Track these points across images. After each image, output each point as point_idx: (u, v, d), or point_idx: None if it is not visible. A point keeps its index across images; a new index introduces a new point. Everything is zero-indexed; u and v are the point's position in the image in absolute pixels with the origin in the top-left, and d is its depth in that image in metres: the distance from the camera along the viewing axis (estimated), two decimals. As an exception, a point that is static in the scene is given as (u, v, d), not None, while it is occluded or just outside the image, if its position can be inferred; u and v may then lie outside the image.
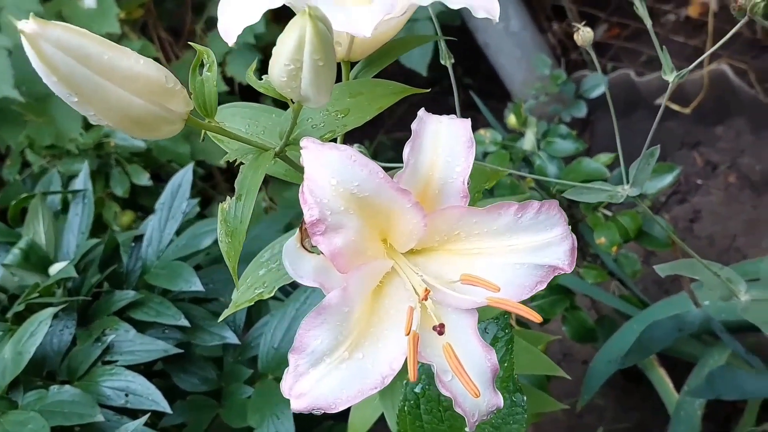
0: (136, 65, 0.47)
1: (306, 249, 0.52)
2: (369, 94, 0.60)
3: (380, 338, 0.54)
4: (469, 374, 0.53)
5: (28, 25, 0.42)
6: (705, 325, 1.24)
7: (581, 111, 2.01)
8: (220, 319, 0.77)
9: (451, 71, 0.85)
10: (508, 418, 0.78)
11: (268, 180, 2.61)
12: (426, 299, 0.52)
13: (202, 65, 0.54)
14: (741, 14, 0.67)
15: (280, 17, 2.55)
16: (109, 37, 2.31)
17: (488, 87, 2.55)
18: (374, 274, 0.55)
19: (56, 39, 0.43)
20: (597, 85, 2.01)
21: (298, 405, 0.52)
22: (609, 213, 1.53)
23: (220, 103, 0.58)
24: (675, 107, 2.23)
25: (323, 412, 0.52)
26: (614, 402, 1.73)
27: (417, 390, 0.83)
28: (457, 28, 2.45)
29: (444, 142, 0.53)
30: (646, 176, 0.83)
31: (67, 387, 1.03)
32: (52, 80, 0.44)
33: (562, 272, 0.55)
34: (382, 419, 0.97)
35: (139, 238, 1.27)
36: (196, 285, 1.15)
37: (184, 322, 1.14)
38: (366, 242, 0.53)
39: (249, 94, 2.61)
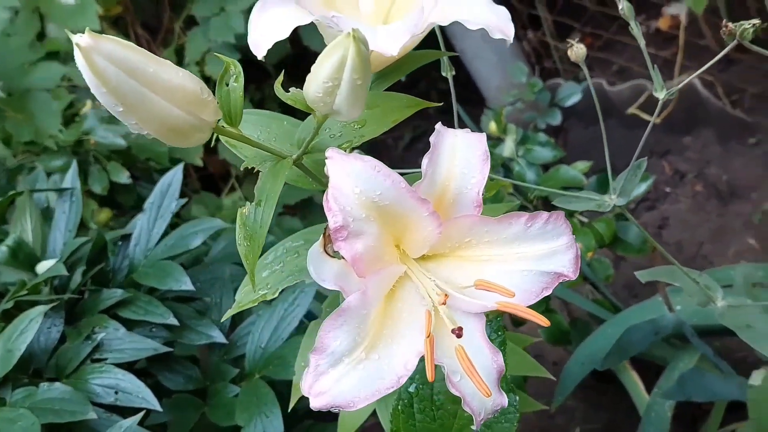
0: (176, 77, 0.49)
1: (328, 254, 0.54)
2: (385, 107, 0.62)
3: (394, 340, 0.57)
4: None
5: (83, 39, 0.44)
6: (677, 329, 1.29)
7: (556, 119, 2.06)
8: (223, 319, 0.79)
9: (451, 82, 0.88)
10: (500, 417, 0.81)
11: (242, 180, 2.61)
12: (445, 303, 0.55)
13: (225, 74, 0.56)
14: (731, 38, 0.71)
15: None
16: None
17: (464, 93, 2.59)
18: (390, 278, 0.57)
19: (108, 52, 0.45)
20: (572, 94, 2.07)
21: (317, 403, 0.54)
22: (585, 219, 1.57)
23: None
24: (646, 117, 2.30)
25: (341, 409, 0.54)
26: (585, 403, 1.78)
27: (411, 389, 0.85)
28: (434, 33, 2.48)
29: (460, 155, 0.56)
30: (633, 186, 0.86)
31: (57, 384, 1.03)
32: (101, 91, 0.46)
33: (567, 279, 0.58)
34: (371, 417, 0.99)
35: (125, 237, 1.28)
36: (187, 284, 1.17)
37: (173, 321, 1.15)
38: (383, 248, 0.56)
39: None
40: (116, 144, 1.87)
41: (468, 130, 0.57)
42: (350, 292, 0.55)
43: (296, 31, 2.14)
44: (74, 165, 1.34)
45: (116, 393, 1.05)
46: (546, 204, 1.65)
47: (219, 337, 1.20)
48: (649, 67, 0.81)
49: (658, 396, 1.41)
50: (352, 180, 0.52)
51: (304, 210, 2.57)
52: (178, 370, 1.24)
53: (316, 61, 0.50)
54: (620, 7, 0.79)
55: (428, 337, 0.54)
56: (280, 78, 0.56)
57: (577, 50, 0.84)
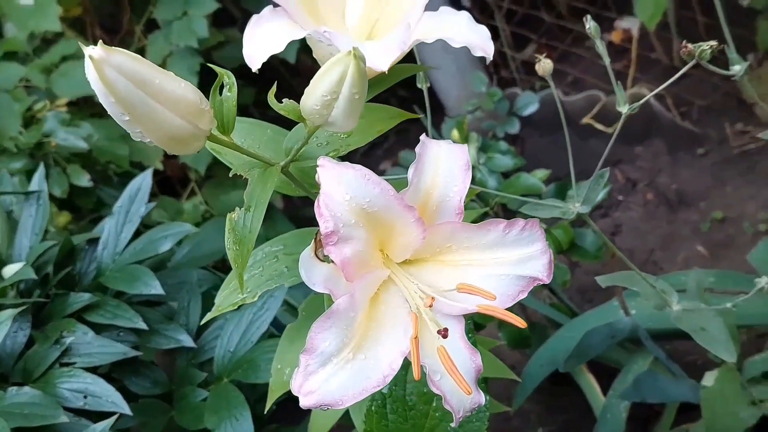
0: (178, 88, 0.51)
1: (319, 258, 0.57)
2: (370, 118, 0.65)
3: (379, 341, 0.59)
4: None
5: (95, 51, 0.46)
6: (633, 332, 1.34)
7: (514, 127, 2.11)
8: (203, 320, 0.80)
9: (426, 95, 0.91)
10: (471, 417, 0.84)
11: (201, 183, 2.61)
12: (431, 306, 0.58)
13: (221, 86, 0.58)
14: (690, 58, 0.75)
15: (223, 24, 2.56)
16: (50, 35, 2.26)
17: (423, 100, 2.64)
18: (375, 282, 0.60)
19: (118, 64, 0.47)
20: (529, 103, 2.12)
21: (307, 401, 0.56)
22: (544, 226, 1.62)
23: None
24: (599, 126, 2.37)
25: (329, 408, 0.57)
26: (542, 405, 1.82)
27: (384, 391, 0.88)
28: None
29: (444, 165, 0.59)
30: (596, 195, 0.91)
31: (26, 388, 1.03)
32: (109, 101, 0.48)
33: (541, 282, 0.61)
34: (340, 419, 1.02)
35: (92, 241, 1.28)
36: (157, 288, 1.17)
37: (142, 325, 1.15)
38: (370, 252, 0.58)
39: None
40: (78, 147, 1.86)
41: (450, 141, 0.60)
42: (338, 296, 0.57)
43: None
44: (41, 168, 1.34)
45: (85, 397, 1.05)
46: (505, 210, 1.69)
47: (187, 341, 1.21)
48: (613, 83, 0.85)
49: (614, 397, 1.46)
50: (342, 187, 0.55)
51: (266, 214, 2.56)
52: (145, 374, 1.24)
53: (316, 76, 0.53)
54: (587, 26, 0.83)
55: (415, 337, 0.56)
56: (273, 89, 0.58)
57: (544, 65, 0.88)
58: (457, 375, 0.57)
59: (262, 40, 0.56)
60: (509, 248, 0.61)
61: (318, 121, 0.56)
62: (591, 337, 1.27)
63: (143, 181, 1.29)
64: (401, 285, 0.61)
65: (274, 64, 2.81)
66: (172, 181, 2.85)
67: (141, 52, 2.53)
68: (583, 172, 2.52)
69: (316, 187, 0.72)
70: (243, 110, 2.84)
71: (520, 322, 0.58)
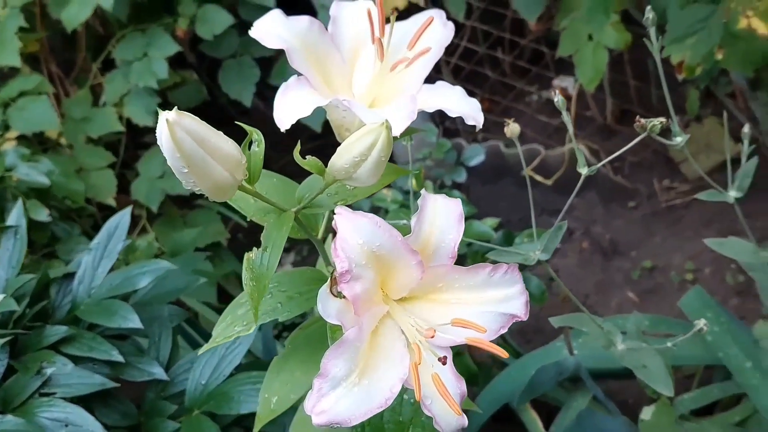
0: (226, 146, 0.60)
1: (333, 294, 0.65)
2: (373, 173, 0.74)
3: (379, 368, 0.68)
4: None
5: (170, 115, 0.54)
6: (575, 371, 1.45)
7: (461, 176, 2.24)
8: (200, 352, 0.87)
9: (410, 153, 1.00)
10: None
11: (152, 220, 2.64)
12: (433, 337, 0.66)
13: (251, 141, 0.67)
14: (642, 130, 0.88)
15: (178, 65, 2.63)
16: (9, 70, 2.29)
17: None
18: (377, 316, 0.69)
19: (186, 126, 0.55)
20: (476, 154, 2.26)
21: (319, 420, 0.64)
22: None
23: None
24: (539, 178, 2.52)
25: (339, 426, 0.64)
26: (485, 442, 1.91)
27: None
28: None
29: (441, 215, 0.69)
30: (554, 244, 1.02)
31: (9, 417, 1.06)
32: (176, 156, 0.56)
33: (520, 319, 0.71)
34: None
35: (67, 276, 1.32)
36: (135, 322, 1.22)
37: (119, 358, 1.20)
38: (375, 290, 0.67)
39: (137, 134, 2.64)
40: (39, 182, 1.89)
41: (445, 196, 0.70)
42: (348, 327, 0.66)
43: (213, 80, 2.22)
44: (20, 203, 1.38)
45: (66, 426, 1.09)
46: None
47: (161, 374, 1.25)
48: (575, 147, 0.96)
49: (556, 432, 1.56)
50: (357, 233, 0.63)
51: (213, 252, 2.61)
52: (114, 406, 1.28)
53: (349, 141, 0.62)
54: (555, 100, 0.94)
55: (419, 363, 0.65)
56: (298, 147, 0.67)
57: (512, 128, 0.99)
58: (449, 399, 0.66)
59: (290, 106, 0.65)
60: (493, 289, 0.70)
61: (343, 177, 0.65)
62: (541, 374, 1.37)
63: (121, 219, 1.34)
64: (399, 319, 0.70)
65: (223, 104, 2.88)
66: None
67: (97, 89, 2.57)
68: (523, 219, 2.71)
69: (317, 231, 0.81)
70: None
71: (503, 353, 0.67)
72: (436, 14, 0.75)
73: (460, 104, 0.71)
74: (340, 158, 0.64)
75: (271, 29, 0.69)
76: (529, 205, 2.73)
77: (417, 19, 0.75)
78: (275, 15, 0.70)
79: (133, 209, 2.76)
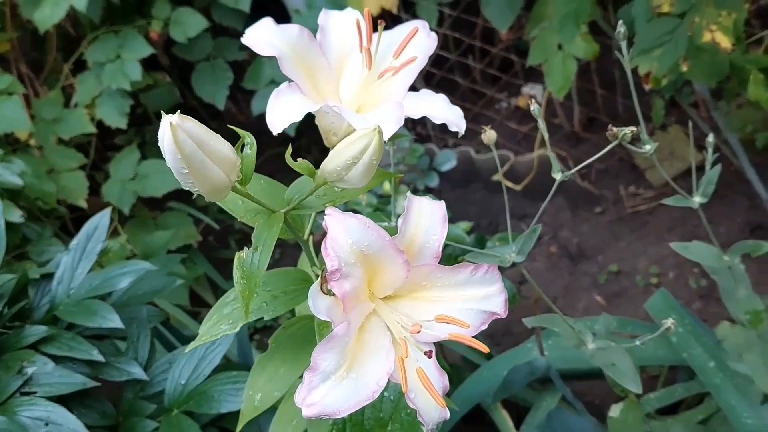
0: (224, 148, 0.62)
1: (323, 292, 0.68)
2: (360, 176, 0.76)
3: (366, 363, 0.70)
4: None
5: (174, 118, 0.56)
6: (545, 372, 1.50)
7: (434, 181, 2.28)
8: (188, 349, 0.89)
9: (391, 157, 1.03)
10: (420, 438, 0.95)
11: (124, 222, 2.63)
12: (419, 332, 0.69)
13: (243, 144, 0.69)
14: (614, 138, 0.92)
15: (151, 67, 2.63)
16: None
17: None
18: (364, 313, 0.71)
19: (188, 129, 0.58)
20: (448, 160, 2.30)
21: (309, 412, 0.67)
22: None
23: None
24: (509, 184, 2.57)
25: (329, 417, 0.67)
26: (456, 442, 1.95)
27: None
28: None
29: (425, 216, 0.72)
30: (529, 247, 1.06)
31: (-10, 415, 1.07)
32: (177, 157, 0.58)
33: (499, 316, 0.75)
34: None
35: (46, 276, 1.32)
36: (115, 322, 1.23)
37: (99, 357, 1.21)
38: (363, 288, 0.70)
39: (106, 135, 2.64)
40: (12, 183, 1.88)
41: (430, 198, 0.73)
42: (337, 323, 0.69)
43: (185, 83, 2.23)
44: (0, 205, 1.38)
45: (46, 425, 1.10)
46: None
47: (140, 373, 1.27)
48: (549, 154, 1.00)
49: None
50: (347, 233, 0.66)
51: (185, 254, 2.61)
52: (92, 406, 1.29)
53: (343, 145, 0.65)
54: (532, 108, 0.98)
55: (406, 357, 0.68)
56: (289, 150, 0.70)
57: (489, 135, 1.03)
58: (434, 392, 0.69)
59: (282, 111, 0.67)
60: (475, 287, 0.74)
61: (334, 179, 0.68)
62: (514, 373, 1.41)
63: (100, 221, 1.35)
64: (384, 316, 0.73)
65: (194, 106, 2.89)
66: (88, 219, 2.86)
67: (68, 90, 2.56)
68: (492, 224, 2.76)
69: (303, 231, 0.83)
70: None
71: (484, 348, 0.71)
72: (421, 24, 0.78)
73: (445, 111, 0.74)
74: (332, 161, 0.67)
75: (263, 37, 0.72)
76: (497, 210, 2.79)
77: (402, 29, 0.78)
78: (267, 23, 0.73)
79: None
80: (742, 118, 1.74)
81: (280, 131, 0.66)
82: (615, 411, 1.34)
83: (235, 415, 1.26)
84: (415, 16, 2.62)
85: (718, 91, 1.77)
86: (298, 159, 0.70)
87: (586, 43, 1.87)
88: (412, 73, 0.77)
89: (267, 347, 0.97)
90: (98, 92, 2.45)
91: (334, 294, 0.67)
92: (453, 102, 0.79)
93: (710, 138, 1.07)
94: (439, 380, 0.73)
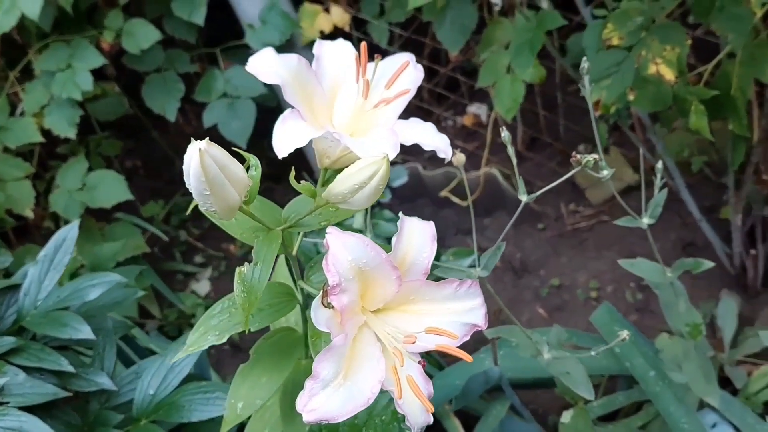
0: (240, 172, 0.67)
1: (324, 305, 0.73)
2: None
3: (359, 371, 0.76)
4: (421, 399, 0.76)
5: (202, 145, 0.61)
6: (497, 381, 1.57)
7: (386, 197, 2.34)
8: (173, 360, 0.92)
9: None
10: (397, 443, 1.01)
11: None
12: (414, 343, 0.75)
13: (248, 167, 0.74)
14: (577, 164, 1.00)
15: (102, 77, 2.62)
16: None
17: (296, 163, 2.83)
18: (357, 325, 0.77)
19: (213, 154, 0.62)
20: (399, 176, 2.37)
21: (310, 417, 0.72)
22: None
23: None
24: (455, 199, 2.65)
25: (328, 422, 0.72)
26: (407, 450, 2.01)
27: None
28: (273, 108, 2.70)
29: (416, 235, 0.78)
30: (494, 263, 1.13)
31: (-36, 426, 1.07)
32: (201, 180, 0.63)
33: (480, 329, 0.81)
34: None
35: (11, 287, 1.33)
36: (86, 333, 1.25)
37: (69, 368, 1.22)
38: (358, 301, 0.75)
39: (49, 144, 2.61)
40: (-37, 194, 1.86)
41: (420, 219, 0.79)
42: (335, 335, 0.74)
43: (131, 93, 2.25)
44: (-37, 214, 1.37)
45: (20, 435, 1.11)
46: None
47: (108, 384, 1.28)
48: (516, 175, 1.07)
49: (478, 439, 1.67)
50: (347, 251, 0.72)
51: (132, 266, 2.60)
52: (58, 417, 1.30)
53: (351, 170, 0.71)
54: (503, 135, 1.05)
55: (402, 365, 0.74)
56: (293, 173, 0.75)
57: (459, 158, 1.09)
58: (423, 398, 0.75)
59: (288, 136, 0.72)
60: (459, 301, 0.80)
61: (339, 201, 0.73)
62: (473, 381, 1.48)
63: (69, 233, 1.36)
64: (375, 328, 0.78)
65: (141, 118, 2.89)
66: (30, 229, 2.82)
67: (13, 98, 2.53)
68: (440, 238, 2.83)
69: (292, 247, 0.88)
70: (108, 161, 2.88)
71: (468, 358, 0.77)
72: (410, 58, 0.84)
73: (434, 139, 0.81)
74: (339, 185, 0.72)
75: (267, 66, 0.76)
76: (444, 225, 2.86)
77: (393, 61, 0.84)
78: (269, 53, 0.78)
79: (47, 222, 2.73)
80: (679, 142, 1.86)
81: (286, 155, 0.71)
82: (566, 417, 1.43)
83: (203, 424, 1.29)
84: (366, 35, 2.69)
85: (656, 115, 1.89)
86: (302, 181, 0.75)
87: (534, 68, 1.96)
88: (403, 102, 0.83)
89: (219, 361, 1.01)
90: (47, 101, 2.43)
91: (333, 307, 0.72)
92: (401, 118, 0.85)
93: (659, 165, 1.17)
94: (426, 387, 0.79)
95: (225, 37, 2.66)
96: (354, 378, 0.75)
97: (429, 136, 0.80)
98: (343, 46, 0.85)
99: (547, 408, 2.08)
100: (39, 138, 2.39)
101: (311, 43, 2.38)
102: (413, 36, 2.64)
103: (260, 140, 2.48)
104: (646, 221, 1.20)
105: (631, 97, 1.42)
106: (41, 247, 2.53)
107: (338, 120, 0.83)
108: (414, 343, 0.75)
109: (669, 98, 1.37)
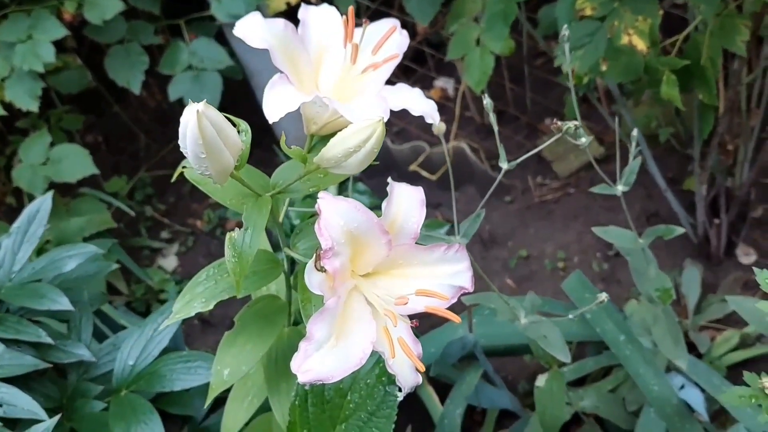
0: (234, 135, 0.67)
1: (317, 269, 0.74)
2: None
3: (351, 333, 0.77)
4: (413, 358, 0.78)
5: (200, 106, 0.61)
6: (473, 348, 1.60)
7: (356, 170, 2.35)
8: (162, 326, 0.92)
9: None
10: (382, 405, 1.02)
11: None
12: (406, 304, 0.76)
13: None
14: (558, 131, 1.01)
15: (63, 49, 2.56)
16: None
17: (264, 138, 2.81)
18: (348, 288, 0.78)
19: (210, 116, 0.62)
20: (369, 149, 2.38)
21: (305, 377, 0.73)
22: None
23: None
24: (424, 173, 2.67)
25: (322, 382, 0.73)
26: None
27: (306, 387, 1.04)
28: (239, 82, 2.68)
29: (405, 200, 0.79)
30: (473, 230, 1.14)
31: (-55, 399, 1.06)
32: (198, 143, 0.63)
33: (467, 291, 0.83)
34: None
35: (-15, 260, 1.31)
36: (64, 304, 1.23)
37: (48, 340, 1.21)
38: (348, 265, 0.76)
39: (8, 118, 2.55)
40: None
41: (408, 185, 0.80)
42: (328, 297, 0.75)
43: (97, 67, 2.21)
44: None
45: (1, 406, 1.10)
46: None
47: (87, 355, 1.28)
48: (498, 145, 1.09)
49: (451, 406, 1.70)
50: (338, 215, 0.73)
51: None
52: (35, 389, 1.29)
53: (345, 133, 0.71)
54: (485, 102, 1.06)
55: (396, 325, 0.75)
56: (283, 138, 0.75)
57: (440, 127, 1.10)
58: (413, 357, 0.77)
59: (278, 101, 0.72)
60: (447, 264, 0.82)
61: (331, 166, 0.73)
62: (450, 347, 1.51)
63: (42, 204, 1.34)
64: (365, 291, 0.79)
65: (101, 92, 2.84)
66: (-8, 204, 2.77)
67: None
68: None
69: (278, 214, 0.89)
70: (70, 135, 2.83)
71: (457, 319, 0.79)
72: (396, 23, 0.85)
73: (422, 104, 0.82)
74: (332, 149, 0.73)
75: (254, 30, 0.76)
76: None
77: (379, 26, 0.85)
78: (256, 17, 0.78)
79: (8, 198, 2.68)
80: (646, 114, 1.89)
81: (277, 119, 0.71)
82: (541, 381, 1.46)
83: (180, 394, 1.29)
84: (330, 3, 2.68)
85: (622, 88, 1.92)
86: (293, 146, 0.76)
87: (504, 40, 1.98)
88: (390, 68, 0.83)
89: (189, 336, 1.01)
90: (7, 73, 2.37)
91: (325, 270, 0.73)
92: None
93: (635, 132, 1.19)
94: (415, 347, 0.80)
95: (188, 9, 2.62)
96: (346, 340, 0.76)
97: (417, 102, 0.81)
98: (328, 10, 0.85)
99: (515, 375, 2.12)
100: (1, 111, 2.34)
101: (277, 14, 2.37)
102: (381, 8, 2.63)
103: (227, 112, 2.46)
104: (620, 188, 1.23)
105: (603, 68, 1.44)
106: (3, 222, 2.51)
107: (324, 85, 0.83)
108: (406, 304, 0.77)
109: (641, 68, 1.40)
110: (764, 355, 1.89)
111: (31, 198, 2.48)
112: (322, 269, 0.74)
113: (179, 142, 0.65)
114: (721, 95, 1.69)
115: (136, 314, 2.46)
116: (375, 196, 1.89)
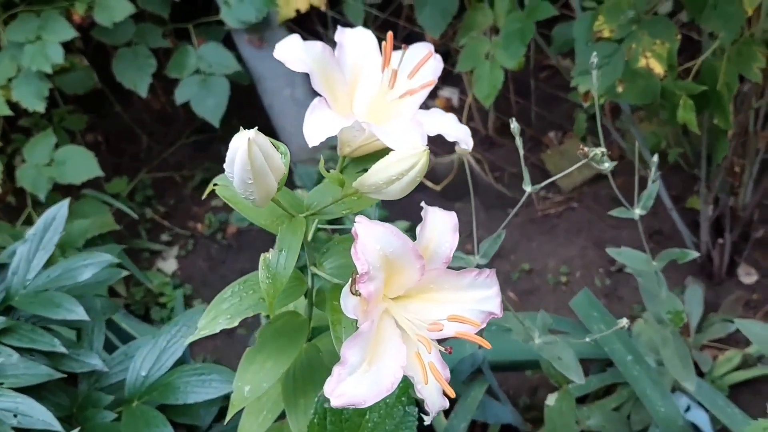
0: (278, 159, 0.67)
1: (352, 293, 0.74)
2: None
3: (383, 357, 0.77)
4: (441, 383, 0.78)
5: (251, 134, 0.61)
6: (480, 364, 1.61)
7: (362, 180, 2.35)
8: (186, 342, 0.92)
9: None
10: (401, 425, 1.03)
11: (37, 210, 2.55)
12: (441, 330, 0.77)
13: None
14: (584, 156, 1.02)
15: (70, 50, 2.55)
16: None
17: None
18: (380, 312, 0.78)
19: (260, 143, 0.62)
20: (376, 159, 2.38)
21: (338, 402, 0.73)
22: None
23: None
24: (429, 184, 2.68)
25: (354, 407, 0.74)
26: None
27: (326, 406, 1.04)
28: (246, 87, 2.68)
29: (439, 225, 0.79)
30: (493, 250, 1.15)
31: (-40, 407, 1.05)
32: (246, 169, 0.63)
33: (496, 316, 0.83)
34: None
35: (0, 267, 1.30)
36: (80, 314, 1.23)
37: (62, 349, 1.21)
38: (383, 289, 0.77)
39: (11, 118, 2.54)
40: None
41: (441, 209, 0.81)
42: (361, 321, 0.75)
43: (102, 69, 2.21)
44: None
45: (15, 416, 1.10)
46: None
47: (100, 365, 1.27)
48: (522, 165, 1.10)
49: (455, 419, 1.70)
50: (375, 240, 0.73)
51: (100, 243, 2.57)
52: (47, 398, 1.28)
53: (388, 160, 0.71)
54: (512, 127, 1.07)
55: (430, 352, 0.75)
56: (322, 161, 0.75)
57: (465, 149, 1.11)
58: (444, 383, 0.77)
59: (318, 126, 0.72)
60: (476, 290, 0.82)
61: (371, 192, 0.74)
62: (461, 364, 1.51)
63: (59, 212, 1.34)
64: (396, 315, 0.80)
65: (104, 92, 2.83)
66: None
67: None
68: (415, 223, 2.87)
69: (307, 234, 0.89)
70: (72, 135, 2.82)
71: (486, 344, 0.79)
72: (430, 48, 0.85)
73: (456, 130, 0.82)
74: (374, 175, 0.73)
75: (294, 53, 0.76)
76: (416, 209, 2.87)
77: (414, 51, 0.85)
78: (295, 40, 0.78)
79: (15, 198, 2.67)
80: (654, 132, 1.91)
81: (317, 144, 0.72)
82: (551, 400, 1.47)
83: (189, 406, 1.29)
84: (341, 14, 2.68)
85: (631, 106, 1.94)
86: (331, 170, 0.76)
87: (519, 58, 1.99)
88: (425, 93, 0.84)
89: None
90: (15, 73, 2.37)
91: (360, 294, 0.74)
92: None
93: (655, 158, 1.20)
94: (444, 372, 0.81)
95: (196, 14, 2.62)
96: (378, 364, 0.76)
97: (452, 127, 0.82)
98: (364, 33, 0.85)
99: (517, 389, 2.13)
100: (7, 111, 2.33)
101: (287, 21, 2.37)
102: (390, 18, 2.64)
103: (232, 118, 2.47)
104: (638, 212, 1.24)
105: (619, 89, 1.45)
106: (3, 222, 2.49)
107: (359, 108, 0.83)
108: (441, 330, 0.77)
109: (657, 92, 1.41)
110: (766, 376, 1.90)
111: (35, 198, 2.47)
112: (357, 293, 0.74)
113: (225, 167, 0.66)
114: (730, 118, 1.70)
115: (136, 317, 2.46)
116: (384, 208, 1.89)
